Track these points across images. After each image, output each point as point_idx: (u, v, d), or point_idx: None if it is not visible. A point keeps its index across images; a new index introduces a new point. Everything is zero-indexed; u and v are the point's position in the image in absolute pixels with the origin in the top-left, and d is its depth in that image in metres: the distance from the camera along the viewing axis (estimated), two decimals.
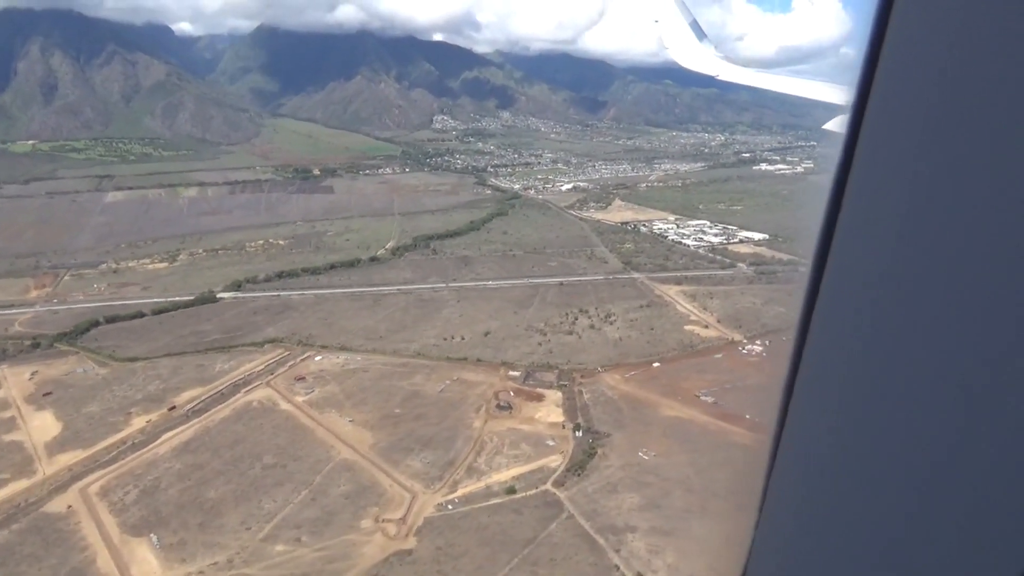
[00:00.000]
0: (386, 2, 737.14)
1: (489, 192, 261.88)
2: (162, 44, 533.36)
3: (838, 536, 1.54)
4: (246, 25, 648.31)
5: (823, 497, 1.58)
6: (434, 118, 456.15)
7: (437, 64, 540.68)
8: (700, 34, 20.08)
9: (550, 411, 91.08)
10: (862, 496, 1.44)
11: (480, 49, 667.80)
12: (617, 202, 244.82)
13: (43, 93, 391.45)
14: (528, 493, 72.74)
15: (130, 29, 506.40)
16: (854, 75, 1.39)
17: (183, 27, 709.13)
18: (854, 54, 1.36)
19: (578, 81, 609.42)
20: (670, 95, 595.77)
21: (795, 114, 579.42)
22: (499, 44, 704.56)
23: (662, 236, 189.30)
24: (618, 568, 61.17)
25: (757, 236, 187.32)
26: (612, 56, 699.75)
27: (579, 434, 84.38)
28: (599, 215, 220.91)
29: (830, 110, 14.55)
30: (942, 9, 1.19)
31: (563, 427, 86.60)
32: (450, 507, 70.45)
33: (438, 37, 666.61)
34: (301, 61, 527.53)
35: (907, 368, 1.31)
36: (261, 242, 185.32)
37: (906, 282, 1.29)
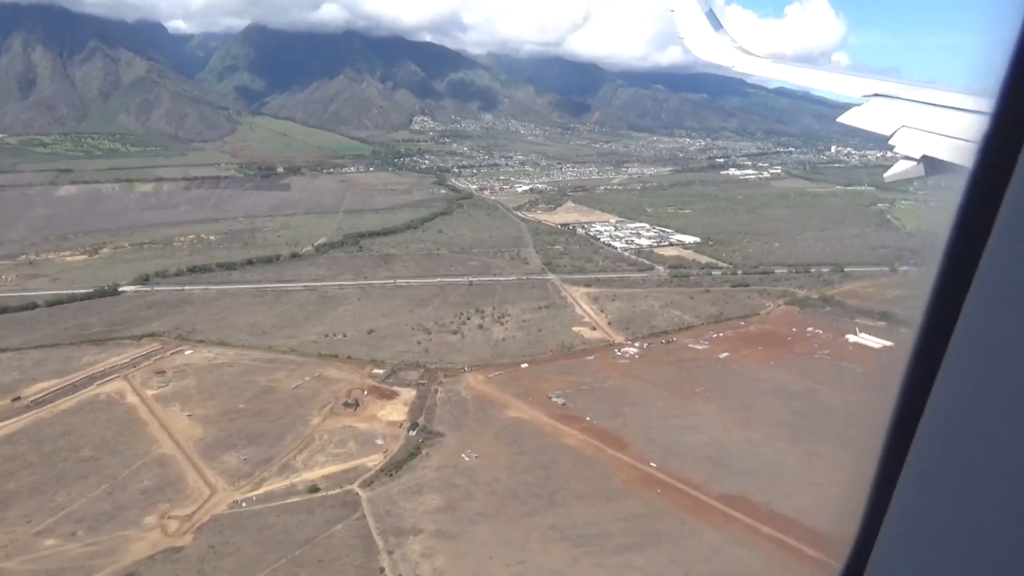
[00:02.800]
0: (372, 2, 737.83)
1: (444, 192, 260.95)
2: (153, 41, 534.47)
3: (980, 540, 1.48)
4: (241, 24, 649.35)
5: (966, 498, 1.52)
6: (414, 119, 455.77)
7: (423, 65, 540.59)
8: (716, 24, 19.34)
9: (396, 410, 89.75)
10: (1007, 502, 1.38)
11: (473, 51, 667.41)
12: (568, 204, 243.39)
13: (20, 88, 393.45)
14: (331, 492, 71.40)
15: (119, 26, 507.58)
16: (995, 81, 1.33)
17: (178, 25, 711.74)
18: (996, 60, 1.31)
19: (567, 84, 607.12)
20: (658, 100, 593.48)
21: (781, 121, 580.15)
22: (490, 46, 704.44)
23: (595, 238, 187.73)
24: (383, 571, 59.72)
25: (689, 239, 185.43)
26: (603, 60, 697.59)
27: (412, 433, 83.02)
28: (544, 216, 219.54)
29: (850, 104, 13.89)
30: None
31: (400, 426, 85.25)
32: (244, 505, 69.18)
33: (427, 38, 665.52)
34: (287, 60, 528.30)
35: None
36: (192, 237, 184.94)
37: None
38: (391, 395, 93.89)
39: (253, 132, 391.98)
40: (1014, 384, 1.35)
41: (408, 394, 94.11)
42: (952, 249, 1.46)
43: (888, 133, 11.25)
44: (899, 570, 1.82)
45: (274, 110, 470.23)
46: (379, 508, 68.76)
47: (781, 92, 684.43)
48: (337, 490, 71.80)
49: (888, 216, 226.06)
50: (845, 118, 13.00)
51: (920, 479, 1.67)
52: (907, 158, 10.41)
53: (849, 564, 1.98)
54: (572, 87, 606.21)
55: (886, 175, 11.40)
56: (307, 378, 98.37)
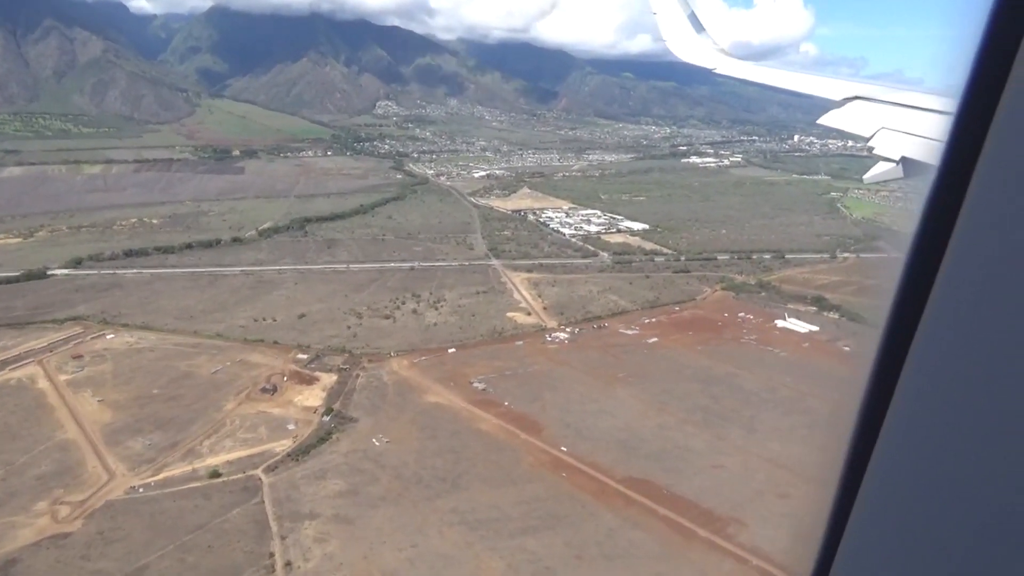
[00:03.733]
0: None
1: (400, 177, 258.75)
2: (113, 21, 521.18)
3: (943, 541, 1.47)
4: (204, 5, 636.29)
5: (930, 499, 1.51)
6: (377, 103, 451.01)
7: (390, 49, 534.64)
8: (698, 26, 19.27)
9: (314, 395, 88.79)
10: (974, 502, 1.38)
11: (442, 36, 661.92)
12: (524, 190, 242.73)
13: None
14: (232, 478, 70.42)
15: (77, 5, 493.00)
16: (959, 80, 1.34)
17: (141, 5, 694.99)
18: (955, 56, 1.33)
19: (536, 71, 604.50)
20: (626, 88, 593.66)
21: (748, 110, 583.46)
22: (459, 32, 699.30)
23: (545, 224, 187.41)
24: (271, 555, 59.04)
25: (638, 226, 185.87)
26: (572, 47, 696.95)
27: (326, 419, 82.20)
28: (497, 202, 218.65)
29: (828, 104, 14.16)
30: None
31: (315, 411, 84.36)
32: (140, 491, 67.96)
33: (393, 22, 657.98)
34: (251, 42, 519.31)
35: None
36: (134, 220, 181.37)
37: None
38: (311, 380, 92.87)
39: (212, 114, 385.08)
40: (978, 381, 1.36)
41: (329, 379, 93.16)
42: (917, 247, 1.46)
43: (867, 135, 11.37)
44: (864, 571, 1.81)
45: (236, 93, 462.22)
46: (280, 493, 67.98)
47: (750, 81, 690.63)
48: (239, 475, 70.82)
49: (838, 205, 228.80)
50: (825, 119, 13.15)
51: (883, 481, 1.64)
52: (887, 159, 10.49)
53: (816, 567, 1.94)
54: (541, 74, 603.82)
55: (865, 176, 11.48)
56: (228, 363, 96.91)
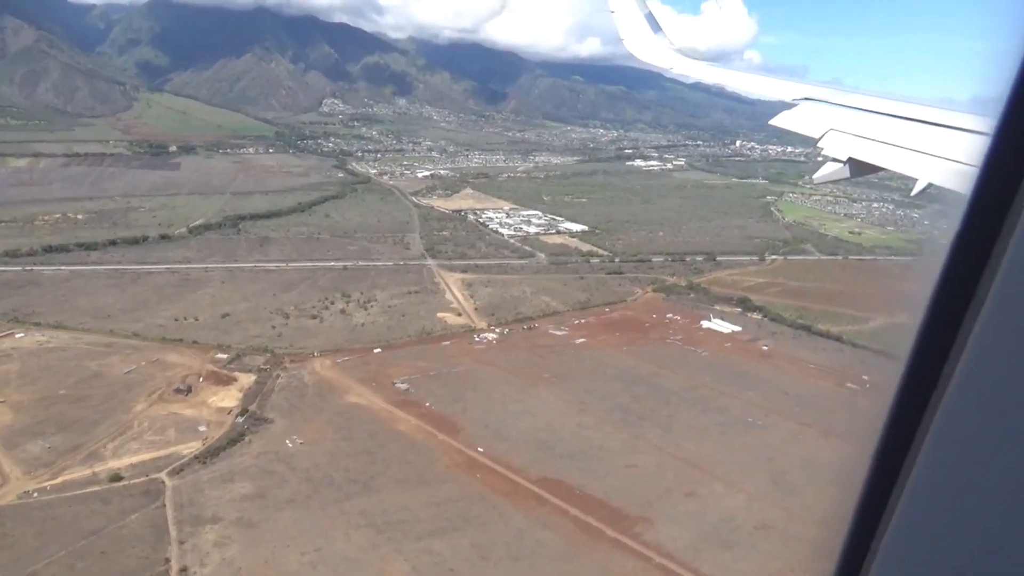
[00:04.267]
0: None
1: (341, 175, 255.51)
2: (48, 10, 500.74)
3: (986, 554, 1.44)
4: None
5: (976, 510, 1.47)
6: (324, 101, 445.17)
7: (337, 47, 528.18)
8: (655, 27, 19.21)
9: (230, 396, 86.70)
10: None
11: (393, 35, 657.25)
12: (467, 190, 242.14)
13: None
14: (134, 481, 68.17)
15: None
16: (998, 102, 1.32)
17: None
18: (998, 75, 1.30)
19: (486, 72, 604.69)
20: (575, 91, 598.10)
21: (694, 115, 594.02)
22: (409, 31, 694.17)
23: (485, 225, 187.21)
24: (167, 561, 57.27)
25: (577, 228, 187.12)
26: (523, 49, 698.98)
27: (240, 420, 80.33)
28: (439, 202, 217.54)
29: (774, 109, 14.38)
30: None
31: (229, 412, 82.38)
32: (35, 495, 65.23)
33: (341, 19, 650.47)
34: (194, 36, 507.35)
35: None
36: (58, 216, 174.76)
37: None
38: (229, 381, 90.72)
39: (150, 109, 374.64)
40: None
41: (247, 380, 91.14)
42: (954, 259, 1.43)
43: (817, 136, 11.50)
44: None
45: (177, 87, 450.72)
46: (182, 497, 66.07)
47: (697, 87, 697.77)
48: (142, 479, 68.61)
49: (772, 209, 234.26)
50: (777, 120, 13.22)
51: (922, 492, 1.59)
52: (835, 160, 10.55)
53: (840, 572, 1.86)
54: (491, 75, 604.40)
55: (815, 176, 11.44)
56: (143, 363, 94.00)
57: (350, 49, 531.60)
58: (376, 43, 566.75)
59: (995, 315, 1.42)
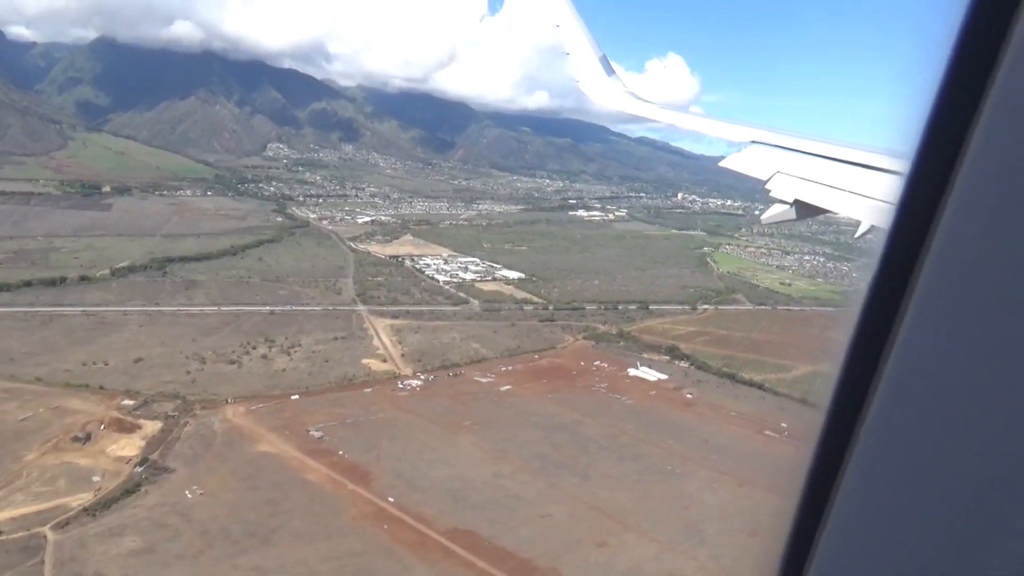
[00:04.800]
0: (231, 24, 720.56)
1: (280, 220, 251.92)
2: None
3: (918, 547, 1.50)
4: (91, 36, 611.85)
5: (899, 528, 1.52)
6: (268, 145, 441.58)
7: (285, 92, 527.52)
8: (609, 70, 19.76)
9: (132, 444, 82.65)
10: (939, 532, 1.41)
11: (343, 82, 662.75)
12: (407, 236, 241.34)
13: None
14: (13, 536, 63.73)
15: None
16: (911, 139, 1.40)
17: (20, 32, 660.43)
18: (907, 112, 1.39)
19: (435, 121, 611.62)
20: (523, 141, 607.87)
21: (638, 168, 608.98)
22: (359, 79, 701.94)
23: (421, 271, 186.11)
24: None
25: (514, 275, 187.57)
26: (472, 100, 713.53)
27: (139, 469, 76.43)
28: (377, 248, 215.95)
29: (715, 161, 15.17)
30: None
31: (128, 462, 78.35)
32: None
33: (289, 65, 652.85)
34: (137, 77, 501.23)
35: (1003, 403, 1.30)
36: None
37: (1007, 311, 1.27)
38: (133, 428, 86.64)
39: (86, 149, 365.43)
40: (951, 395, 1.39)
41: (153, 427, 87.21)
42: (898, 246, 1.48)
43: (764, 178, 11.76)
44: None
45: (117, 127, 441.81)
46: (64, 553, 61.94)
47: (642, 141, 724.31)
48: (22, 533, 64.23)
49: (707, 259, 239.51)
50: (727, 162, 13.50)
51: (856, 494, 1.64)
52: (781, 202, 10.81)
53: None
54: (440, 124, 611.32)
55: (763, 217, 11.78)
56: (41, 409, 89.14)
57: (298, 95, 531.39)
58: (325, 90, 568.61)
59: (901, 364, 1.47)
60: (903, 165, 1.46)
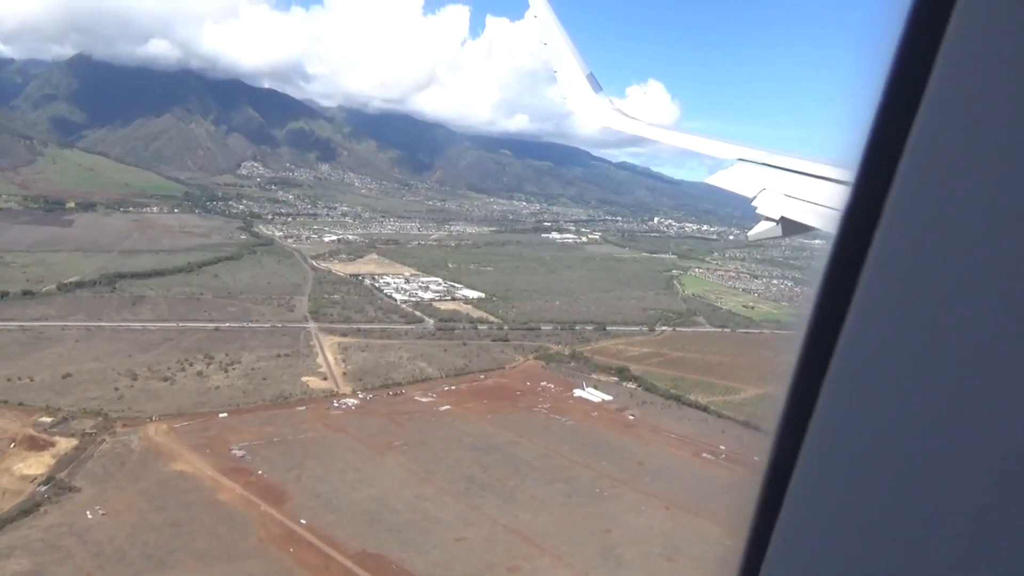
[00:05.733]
0: (208, 42, 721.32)
1: (244, 237, 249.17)
2: None
3: (860, 552, 1.51)
4: (69, 53, 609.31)
5: (839, 544, 1.55)
6: (243, 164, 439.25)
7: (263, 111, 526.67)
8: (597, 87, 20.03)
9: (40, 462, 79.47)
10: (887, 510, 1.44)
11: (322, 103, 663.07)
12: (372, 255, 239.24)
13: None
14: None
15: None
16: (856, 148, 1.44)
17: None
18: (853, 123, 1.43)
19: (414, 142, 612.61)
20: (502, 164, 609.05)
21: (617, 192, 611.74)
22: (338, 99, 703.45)
23: (380, 289, 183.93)
24: None
25: (474, 295, 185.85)
26: (452, 122, 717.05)
27: (42, 488, 73.33)
28: (339, 266, 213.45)
29: (705, 186, 15.72)
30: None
31: (33, 480, 75.21)
32: None
33: (266, 85, 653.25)
34: (113, 94, 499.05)
35: (933, 424, 1.33)
36: None
37: (937, 333, 1.30)
38: (45, 446, 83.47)
39: (55, 164, 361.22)
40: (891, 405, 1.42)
41: (67, 444, 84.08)
42: (837, 263, 1.51)
43: (751, 195, 11.91)
44: None
45: (91, 144, 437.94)
46: None
47: (622, 166, 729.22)
48: None
49: (674, 282, 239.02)
50: (713, 179, 13.68)
51: (802, 497, 1.66)
52: (768, 219, 10.97)
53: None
54: (419, 145, 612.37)
55: (749, 234, 11.93)
56: None
57: (276, 114, 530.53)
58: (303, 109, 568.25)
59: (837, 382, 1.50)
60: (848, 175, 1.49)
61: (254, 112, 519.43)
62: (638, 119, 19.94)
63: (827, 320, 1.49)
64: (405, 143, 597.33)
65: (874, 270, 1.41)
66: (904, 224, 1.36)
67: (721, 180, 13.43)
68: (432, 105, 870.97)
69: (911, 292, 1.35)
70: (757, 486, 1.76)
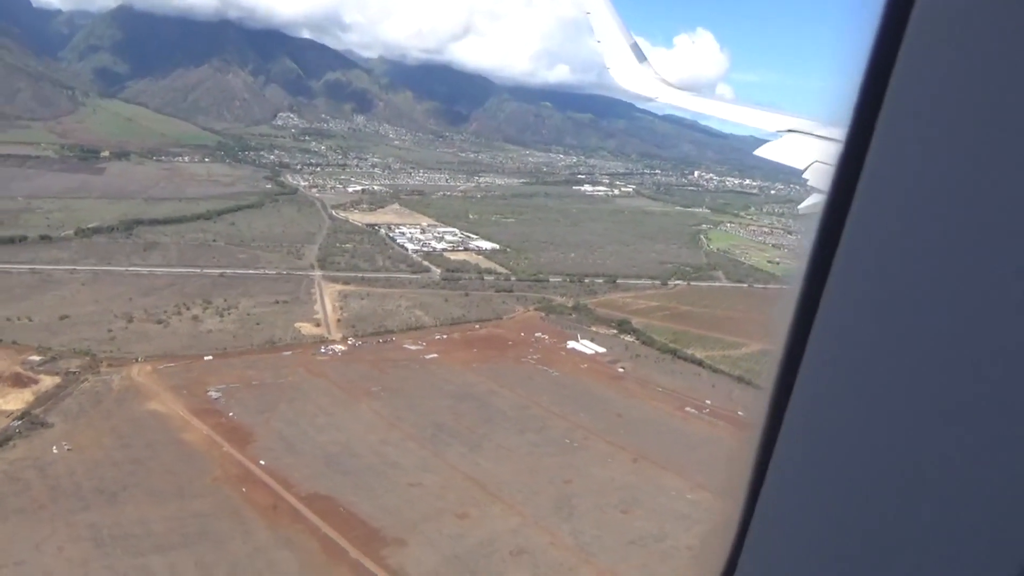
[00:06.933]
0: None
1: (269, 187, 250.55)
2: (10, 14, 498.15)
3: (836, 538, 1.55)
4: (113, 4, 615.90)
5: (823, 499, 1.57)
6: (279, 115, 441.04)
7: (301, 62, 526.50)
8: (640, 56, 19.80)
9: (20, 398, 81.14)
10: (862, 498, 1.46)
11: (363, 54, 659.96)
12: (394, 206, 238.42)
13: None
14: None
15: None
16: (845, 112, 1.45)
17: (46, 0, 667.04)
18: (842, 91, 1.44)
19: (453, 94, 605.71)
20: (541, 116, 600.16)
21: (660, 145, 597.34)
22: (378, 50, 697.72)
23: (393, 240, 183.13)
24: None
25: (488, 246, 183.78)
26: (493, 73, 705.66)
27: (16, 423, 74.94)
28: (358, 216, 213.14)
29: (755, 140, 15.04)
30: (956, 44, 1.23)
31: (9, 415, 76.89)
32: None
33: (305, 35, 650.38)
34: (155, 45, 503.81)
35: (910, 374, 1.35)
36: None
37: (909, 290, 1.33)
38: (29, 383, 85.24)
39: (95, 115, 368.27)
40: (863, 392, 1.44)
41: (50, 382, 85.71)
42: (814, 258, 1.52)
43: (801, 167, 11.76)
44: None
45: (133, 95, 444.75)
46: None
47: (668, 118, 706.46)
48: None
49: (700, 237, 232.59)
50: (762, 151, 13.46)
51: (777, 487, 1.69)
52: (820, 191, 8.53)
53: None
54: (458, 97, 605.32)
55: (800, 207, 12.21)
56: None
57: (313, 65, 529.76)
58: (341, 60, 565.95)
59: (820, 341, 1.51)
60: (839, 134, 1.50)
61: (292, 63, 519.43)
62: (682, 90, 19.61)
63: (815, 278, 1.51)
64: (443, 95, 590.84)
65: (856, 228, 1.43)
66: (885, 180, 1.38)
67: (770, 152, 13.29)
68: (472, 56, 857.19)
69: (891, 251, 1.37)
70: (750, 442, 1.75)
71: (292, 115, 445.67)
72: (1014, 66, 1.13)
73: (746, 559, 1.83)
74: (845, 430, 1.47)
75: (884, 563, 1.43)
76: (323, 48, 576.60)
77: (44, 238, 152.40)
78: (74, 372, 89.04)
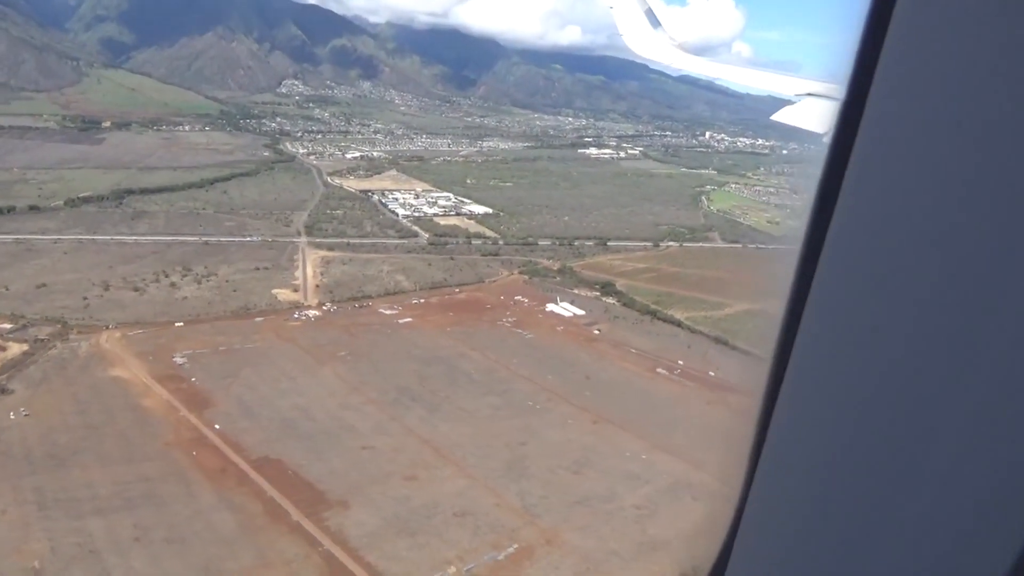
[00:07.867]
0: None
1: (267, 155, 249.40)
2: None
3: (826, 531, 1.54)
4: None
5: (813, 491, 1.56)
6: (283, 82, 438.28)
7: (306, 28, 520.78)
8: (655, 22, 19.47)
9: None
10: (853, 493, 1.45)
11: (372, 19, 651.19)
12: (391, 172, 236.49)
13: None
14: None
15: None
16: (844, 71, 1.44)
17: None
18: (841, 49, 1.42)
19: (461, 58, 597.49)
20: (551, 79, 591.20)
21: (672, 106, 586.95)
22: (386, 15, 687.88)
23: (384, 205, 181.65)
24: None
25: (480, 210, 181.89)
26: (502, 36, 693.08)
27: None
28: (353, 182, 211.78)
29: (781, 102, 14.20)
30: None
31: None
32: None
33: (313, 1, 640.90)
34: (159, 14, 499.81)
35: (902, 367, 1.33)
36: None
37: (903, 278, 1.31)
38: None
39: (99, 85, 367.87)
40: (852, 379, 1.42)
41: (18, 350, 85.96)
42: (807, 246, 1.50)
43: (821, 132, 11.29)
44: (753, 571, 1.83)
45: (138, 65, 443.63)
46: None
47: (683, 79, 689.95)
48: None
49: (702, 198, 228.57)
50: (779, 115, 13.30)
51: (767, 483, 1.67)
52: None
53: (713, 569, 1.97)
54: (466, 61, 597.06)
55: (773, 116, 11.88)
56: None
57: (319, 31, 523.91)
58: (347, 26, 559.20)
59: (816, 307, 1.48)
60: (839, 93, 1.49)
61: (297, 30, 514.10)
62: (698, 56, 19.43)
63: (813, 241, 1.47)
64: (451, 59, 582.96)
65: (854, 182, 1.42)
66: (883, 140, 1.38)
67: (787, 116, 13.02)
68: (480, 19, 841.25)
69: (890, 210, 1.34)
70: (749, 412, 1.71)
71: (297, 82, 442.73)
72: (1010, 23, 1.11)
73: (743, 536, 1.78)
74: (842, 395, 1.43)
75: (883, 531, 1.38)
76: (329, 14, 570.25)
77: (33, 208, 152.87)
78: (43, 340, 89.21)
